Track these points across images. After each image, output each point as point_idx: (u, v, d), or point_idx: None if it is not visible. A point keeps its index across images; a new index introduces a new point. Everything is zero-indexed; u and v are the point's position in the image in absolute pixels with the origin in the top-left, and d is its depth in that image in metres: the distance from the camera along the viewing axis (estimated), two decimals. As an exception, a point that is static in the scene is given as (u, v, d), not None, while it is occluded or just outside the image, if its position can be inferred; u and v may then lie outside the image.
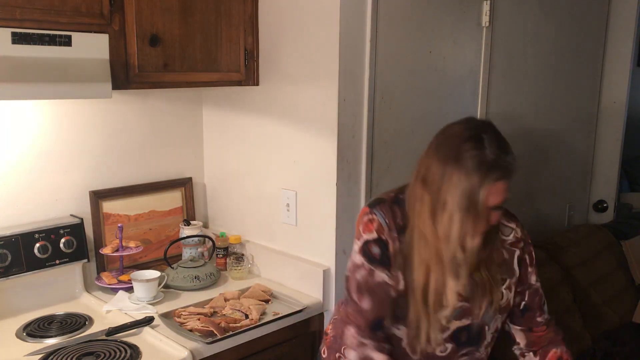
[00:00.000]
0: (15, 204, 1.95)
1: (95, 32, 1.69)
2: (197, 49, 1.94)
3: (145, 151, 2.27)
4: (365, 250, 1.43)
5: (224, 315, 1.89)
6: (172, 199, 2.35)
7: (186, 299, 2.01)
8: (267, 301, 2.01)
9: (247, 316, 1.88)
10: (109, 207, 2.16)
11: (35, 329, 1.79)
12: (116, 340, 1.70)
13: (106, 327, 1.76)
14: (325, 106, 1.93)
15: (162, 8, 1.83)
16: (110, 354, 1.62)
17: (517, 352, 1.61)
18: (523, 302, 1.55)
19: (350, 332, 1.45)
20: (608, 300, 2.65)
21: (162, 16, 1.84)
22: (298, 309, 1.94)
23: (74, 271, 2.01)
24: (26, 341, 1.72)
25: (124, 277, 2.06)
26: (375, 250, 1.42)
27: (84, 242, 2.02)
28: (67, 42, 1.62)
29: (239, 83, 2.11)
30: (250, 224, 2.31)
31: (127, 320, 1.81)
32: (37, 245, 1.90)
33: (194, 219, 2.40)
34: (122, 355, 1.61)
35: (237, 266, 2.21)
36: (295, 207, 2.10)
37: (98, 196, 2.12)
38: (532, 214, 2.88)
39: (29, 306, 1.91)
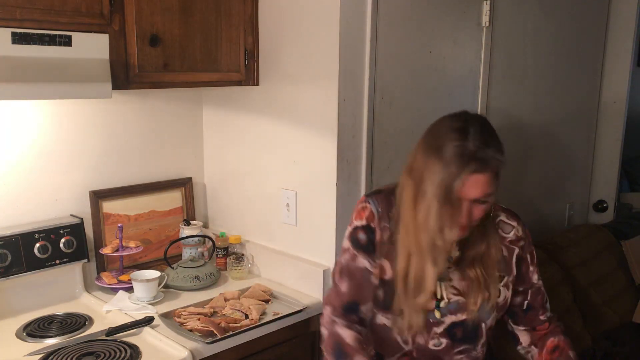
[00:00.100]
0: (15, 204, 1.95)
1: (95, 32, 1.69)
2: (197, 49, 1.94)
3: (145, 151, 2.27)
4: (352, 236, 1.49)
5: (224, 315, 1.89)
6: (172, 199, 2.35)
7: (186, 299, 2.01)
8: (267, 301, 2.01)
9: (247, 316, 1.88)
10: (109, 207, 2.16)
11: (35, 329, 1.79)
12: (116, 340, 1.70)
13: (106, 327, 1.76)
14: (325, 106, 1.93)
15: (162, 8, 1.83)
16: (110, 354, 1.62)
17: (522, 351, 1.61)
18: (526, 302, 1.55)
19: (326, 312, 1.52)
20: (608, 300, 2.65)
21: (162, 16, 1.84)
22: (298, 309, 1.94)
23: (74, 271, 2.01)
24: (26, 341, 1.72)
25: (124, 277, 2.06)
26: (362, 236, 1.47)
27: (84, 242, 2.02)
28: (67, 42, 1.62)
29: (239, 83, 2.11)
30: (250, 224, 2.31)
31: (127, 320, 1.81)
32: (37, 245, 1.90)
33: (194, 219, 2.40)
34: (122, 355, 1.61)
35: (237, 266, 2.21)
36: (295, 207, 2.10)
37: (98, 196, 2.12)
38: (532, 214, 2.88)
39: (29, 306, 1.91)
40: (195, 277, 2.08)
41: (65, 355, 1.61)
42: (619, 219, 3.27)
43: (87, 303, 1.99)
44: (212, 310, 1.91)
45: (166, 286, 2.05)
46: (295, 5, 2.00)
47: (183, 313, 1.86)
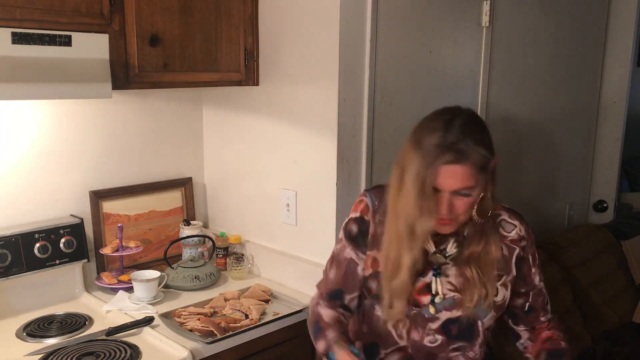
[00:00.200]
0: (15, 204, 1.95)
1: (95, 32, 1.69)
2: (197, 49, 1.94)
3: (145, 151, 2.27)
4: (346, 227, 1.53)
5: (224, 315, 1.89)
6: (172, 199, 2.35)
7: (186, 299, 2.01)
8: (267, 301, 2.02)
9: (247, 316, 1.88)
10: (109, 207, 2.16)
11: (35, 329, 1.79)
12: (116, 340, 1.70)
13: (106, 327, 1.76)
14: (325, 106, 1.93)
15: (162, 8, 1.83)
16: (110, 354, 1.62)
17: (520, 347, 1.62)
18: (527, 304, 1.55)
19: (315, 294, 1.59)
20: (608, 300, 2.65)
21: (162, 16, 1.84)
22: (298, 309, 1.95)
23: (74, 271, 2.01)
24: (26, 341, 1.72)
25: (124, 277, 2.06)
26: (354, 228, 1.51)
27: (84, 242, 2.02)
28: (67, 42, 1.62)
29: (239, 83, 2.11)
30: (250, 224, 2.31)
31: (127, 320, 1.81)
32: (37, 245, 1.90)
33: (194, 219, 2.40)
34: (122, 355, 1.61)
35: (237, 266, 2.21)
36: (295, 207, 2.10)
37: (98, 196, 2.12)
38: (532, 214, 2.87)
39: (29, 306, 1.91)
40: (195, 277, 2.09)
41: (65, 355, 1.61)
42: (619, 219, 3.27)
43: (87, 303, 1.99)
44: (212, 310, 1.91)
45: (166, 286, 2.05)
46: (295, 5, 2.00)
47: (183, 313, 1.86)
